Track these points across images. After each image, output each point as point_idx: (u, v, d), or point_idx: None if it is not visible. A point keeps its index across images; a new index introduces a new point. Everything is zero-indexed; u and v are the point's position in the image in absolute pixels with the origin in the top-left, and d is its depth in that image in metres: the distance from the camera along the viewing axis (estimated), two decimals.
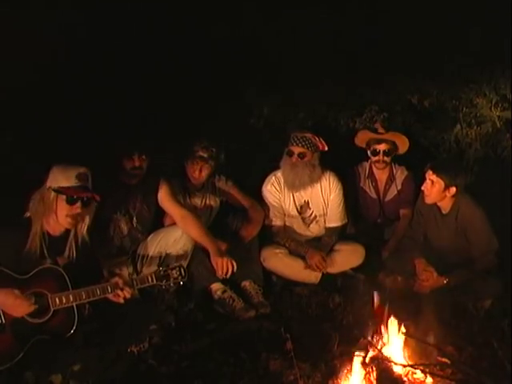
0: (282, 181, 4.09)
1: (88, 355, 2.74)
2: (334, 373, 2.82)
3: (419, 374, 2.79)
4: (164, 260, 3.58)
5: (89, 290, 2.79)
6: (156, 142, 3.70)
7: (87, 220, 2.89)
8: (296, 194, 4.12)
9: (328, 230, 4.20)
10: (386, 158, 4.28)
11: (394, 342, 2.94)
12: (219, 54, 4.42)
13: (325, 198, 4.14)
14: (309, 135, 3.97)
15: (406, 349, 2.94)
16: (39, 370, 2.67)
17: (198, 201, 3.96)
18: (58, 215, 2.79)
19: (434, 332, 3.06)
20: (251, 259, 3.90)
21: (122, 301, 2.86)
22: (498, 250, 3.70)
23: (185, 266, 3.37)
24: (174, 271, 3.08)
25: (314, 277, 4.00)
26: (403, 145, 4.29)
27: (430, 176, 3.66)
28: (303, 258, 4.03)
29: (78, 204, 2.79)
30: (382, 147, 4.26)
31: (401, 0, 4.40)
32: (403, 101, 4.58)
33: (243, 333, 3.30)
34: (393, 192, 4.40)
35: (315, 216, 4.18)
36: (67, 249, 2.87)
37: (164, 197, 3.59)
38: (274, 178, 4.11)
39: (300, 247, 4.07)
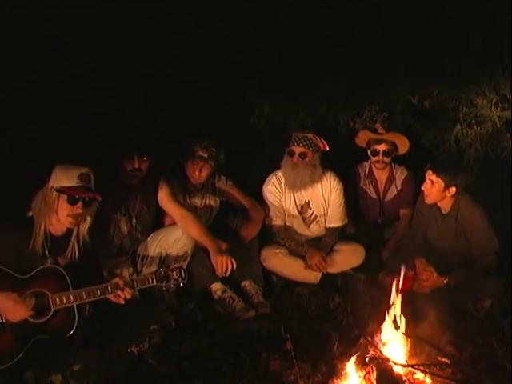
0: (282, 180, 4.09)
1: (88, 355, 2.75)
2: (333, 373, 2.82)
3: (419, 374, 2.79)
4: (164, 260, 3.58)
5: (89, 290, 2.79)
6: (156, 142, 3.70)
7: (88, 220, 2.91)
8: (297, 194, 4.12)
9: (328, 230, 4.20)
10: (385, 159, 4.28)
11: (393, 341, 2.94)
12: (219, 54, 4.41)
13: (325, 198, 4.14)
14: (310, 135, 3.98)
15: (405, 349, 2.94)
16: (39, 370, 2.68)
17: (198, 201, 3.96)
18: (60, 215, 2.80)
19: (434, 332, 3.07)
20: (251, 259, 3.90)
21: (122, 301, 2.87)
22: (498, 250, 3.70)
23: (185, 267, 3.39)
24: (174, 272, 3.09)
25: (313, 277, 4.00)
26: (403, 145, 4.29)
27: (430, 176, 3.66)
28: (303, 258, 4.03)
29: (80, 204, 2.80)
30: (381, 147, 4.26)
31: (401, 0, 4.39)
32: (403, 101, 4.57)
33: (243, 333, 3.30)
34: (393, 192, 4.40)
35: (316, 216, 4.18)
36: (69, 249, 2.88)
37: (164, 197, 3.59)
38: (274, 177, 4.11)
39: (300, 247, 4.07)
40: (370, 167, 4.41)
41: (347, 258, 4.12)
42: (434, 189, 3.67)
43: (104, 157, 3.49)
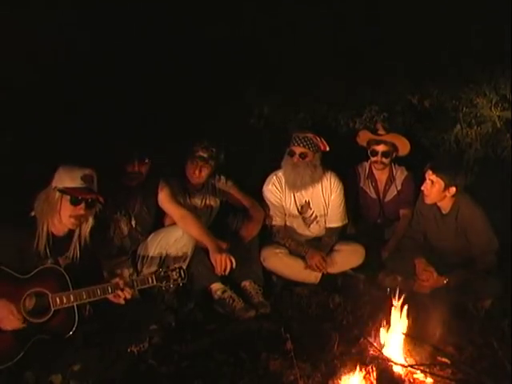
0: (282, 180, 4.09)
1: (88, 355, 2.75)
2: (334, 373, 2.82)
3: (419, 374, 2.79)
4: (164, 260, 3.58)
5: (89, 291, 2.80)
6: (156, 142, 3.70)
7: (91, 221, 2.91)
8: (297, 194, 4.12)
9: (328, 230, 4.20)
10: (384, 160, 4.27)
11: (393, 341, 2.94)
12: (219, 54, 4.41)
13: (325, 199, 4.14)
14: (310, 135, 3.97)
15: (405, 349, 2.94)
16: (39, 370, 2.67)
17: (197, 201, 3.96)
18: (62, 215, 2.80)
19: (434, 332, 3.07)
20: (251, 259, 3.90)
21: (122, 301, 2.88)
22: (498, 250, 3.70)
23: (185, 268, 3.41)
24: (173, 272, 3.10)
25: (313, 277, 4.00)
26: (404, 147, 4.27)
27: (430, 176, 3.66)
28: (303, 257, 4.03)
29: (82, 205, 2.81)
30: (380, 148, 4.25)
31: (400, 0, 4.39)
32: (403, 101, 4.57)
33: (243, 333, 3.30)
34: (393, 192, 4.40)
35: (316, 216, 4.18)
36: (71, 249, 2.89)
37: (164, 198, 3.59)
38: (275, 177, 4.11)
39: (300, 247, 4.07)
40: (370, 167, 4.41)
41: (347, 257, 4.12)
42: (434, 189, 3.67)
43: (104, 158, 3.49)
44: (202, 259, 3.64)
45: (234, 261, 3.40)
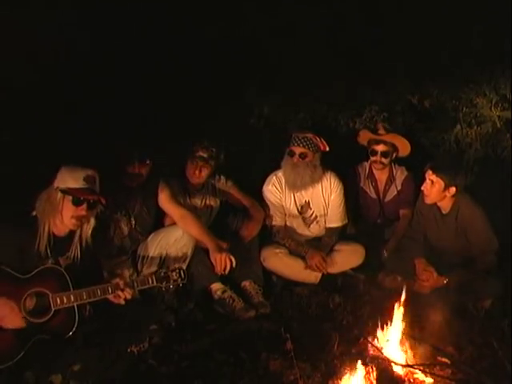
0: (282, 181, 4.09)
1: (88, 355, 2.75)
2: (334, 373, 2.82)
3: (419, 374, 2.79)
4: (164, 260, 3.58)
5: (90, 291, 2.80)
6: (156, 142, 3.70)
7: (92, 222, 2.91)
8: (297, 194, 4.12)
9: (328, 230, 4.20)
10: (383, 160, 4.27)
11: (393, 342, 2.94)
12: (219, 54, 4.41)
13: (325, 199, 4.14)
14: (310, 135, 3.97)
15: (405, 349, 2.94)
16: (39, 370, 2.67)
17: (197, 201, 3.96)
18: (64, 216, 2.80)
19: (434, 332, 3.07)
20: (251, 259, 3.90)
21: (122, 302, 2.88)
22: (498, 250, 3.70)
23: (185, 268, 3.43)
24: (173, 273, 3.11)
25: (313, 277, 4.00)
26: (404, 148, 4.27)
27: (430, 176, 3.66)
28: (303, 257, 4.03)
29: (84, 206, 2.81)
30: (380, 148, 4.25)
31: (401, 0, 4.39)
32: (403, 101, 4.57)
33: (243, 333, 3.30)
34: (393, 192, 4.40)
35: (316, 216, 4.18)
36: (72, 250, 2.89)
37: (164, 199, 3.59)
38: (274, 177, 4.11)
39: (300, 247, 4.07)
40: (370, 167, 4.40)
41: (347, 257, 4.12)
42: (434, 189, 3.67)
43: (105, 158, 3.49)
44: (202, 259, 3.64)
45: (233, 260, 3.40)
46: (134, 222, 3.60)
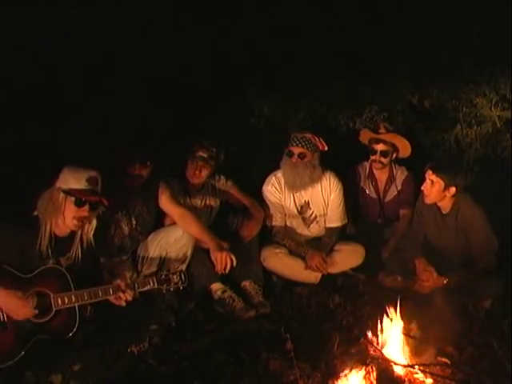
0: (282, 181, 4.09)
1: (88, 355, 2.75)
2: (333, 373, 2.82)
3: (419, 374, 2.79)
4: (164, 260, 3.59)
5: (91, 292, 2.80)
6: (156, 142, 3.70)
7: (94, 223, 2.92)
8: (296, 195, 4.12)
9: (328, 230, 4.20)
10: (382, 159, 4.27)
11: (393, 341, 2.94)
12: (219, 54, 4.41)
13: (325, 198, 4.14)
14: (308, 135, 3.97)
15: (405, 349, 2.94)
16: (39, 370, 2.67)
17: (197, 201, 3.96)
18: (66, 216, 2.80)
19: (434, 332, 3.07)
20: (251, 259, 3.90)
21: (123, 303, 2.88)
22: (498, 250, 3.70)
23: (185, 268, 3.47)
24: (174, 276, 3.12)
25: (313, 277, 4.00)
26: (404, 148, 4.26)
27: (430, 176, 3.66)
28: (303, 257, 4.03)
29: (86, 207, 2.81)
30: (379, 147, 4.25)
31: (401, 1, 4.39)
32: (403, 101, 4.57)
33: (243, 333, 3.30)
34: (393, 192, 4.40)
35: (315, 216, 4.18)
36: (73, 250, 2.89)
37: (164, 200, 3.59)
38: (274, 178, 4.11)
39: (300, 248, 4.07)
40: (371, 167, 4.40)
41: (347, 258, 4.12)
42: (434, 189, 3.67)
43: (105, 158, 3.49)
44: (202, 259, 3.64)
45: (234, 259, 3.41)
46: (134, 222, 3.60)
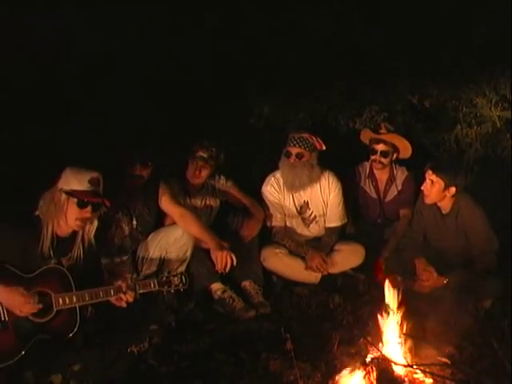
0: (281, 181, 4.08)
1: (88, 355, 2.75)
2: (333, 373, 2.82)
3: (419, 374, 2.79)
4: (164, 259, 3.59)
5: (92, 292, 2.80)
6: (156, 142, 3.70)
7: (95, 223, 2.92)
8: (295, 195, 4.11)
9: (328, 229, 4.20)
10: (382, 159, 4.26)
11: (393, 342, 2.94)
12: (219, 54, 4.41)
13: (324, 198, 4.14)
14: (306, 135, 3.96)
15: (405, 349, 2.94)
16: (39, 370, 2.67)
17: (198, 201, 3.96)
18: (68, 218, 2.80)
19: (434, 332, 3.06)
20: (251, 259, 3.90)
21: (124, 305, 2.88)
22: (498, 250, 3.70)
23: (184, 268, 3.49)
24: (175, 278, 3.12)
25: (313, 277, 4.00)
26: (405, 149, 4.26)
27: (430, 176, 3.66)
28: (303, 257, 4.03)
29: (89, 208, 2.81)
30: (379, 147, 4.25)
31: (401, 0, 4.40)
32: (403, 101, 4.58)
33: (243, 333, 3.30)
34: (393, 192, 4.40)
35: (315, 216, 4.18)
36: (74, 250, 2.89)
37: (164, 200, 3.60)
38: (273, 178, 4.11)
39: (300, 248, 4.06)
40: (371, 167, 4.40)
41: (347, 258, 4.12)
42: (434, 189, 3.67)
43: (106, 158, 3.49)
44: (202, 259, 3.64)
45: (234, 258, 3.41)
46: (135, 222, 3.60)
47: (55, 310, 2.73)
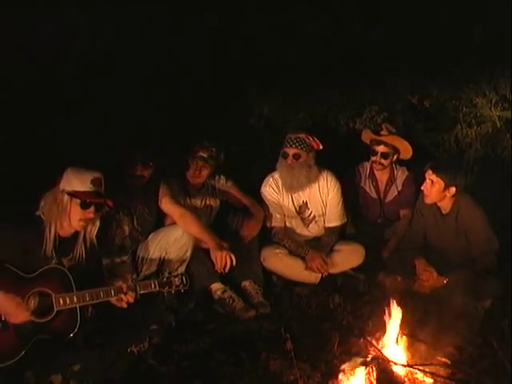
0: (279, 182, 4.07)
1: (88, 355, 2.75)
2: (333, 373, 2.81)
3: (419, 374, 2.79)
4: (164, 259, 3.59)
5: (93, 293, 2.80)
6: (156, 142, 3.71)
7: (98, 224, 2.92)
8: (294, 195, 4.11)
9: (328, 229, 4.19)
10: (383, 161, 4.26)
11: (393, 342, 2.94)
12: (219, 54, 4.41)
13: (323, 198, 4.14)
14: (302, 135, 3.95)
15: (406, 349, 2.94)
16: (39, 370, 2.67)
17: (198, 201, 3.96)
18: (72, 219, 2.80)
19: (434, 332, 3.07)
20: (251, 259, 3.89)
21: (124, 305, 2.89)
22: (498, 250, 3.70)
23: (184, 268, 3.49)
24: (176, 279, 3.13)
25: (313, 277, 4.00)
26: (405, 151, 4.25)
27: (430, 176, 3.66)
28: (303, 258, 4.03)
29: (92, 209, 2.81)
30: (380, 149, 4.24)
31: (401, 0, 4.40)
32: (403, 101, 4.58)
33: (243, 333, 3.30)
34: (393, 193, 4.39)
35: (314, 216, 4.17)
36: (76, 250, 2.89)
37: (164, 200, 3.59)
38: (271, 179, 4.10)
39: (300, 249, 4.06)
40: (371, 167, 4.40)
41: (347, 258, 4.11)
42: (434, 189, 3.67)
43: (106, 159, 3.49)
44: (202, 259, 3.64)
45: (234, 258, 3.41)
46: (135, 222, 3.60)
47: (56, 310, 2.72)
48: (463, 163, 4.41)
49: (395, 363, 2.83)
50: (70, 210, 2.78)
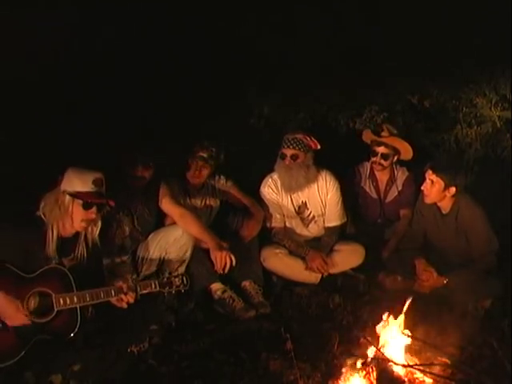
0: (278, 182, 4.07)
1: (88, 355, 2.75)
2: (333, 373, 2.81)
3: (419, 374, 2.79)
4: (164, 259, 3.59)
5: (93, 293, 2.80)
6: (156, 142, 3.71)
7: (99, 224, 2.92)
8: (293, 195, 4.10)
9: (327, 229, 4.19)
10: (383, 162, 4.26)
11: (393, 341, 2.94)
12: (219, 54, 4.42)
13: (322, 198, 4.13)
14: (300, 136, 3.95)
15: (406, 349, 2.94)
16: (39, 370, 2.67)
17: (198, 201, 3.96)
18: (74, 219, 2.81)
19: (434, 332, 3.07)
20: (251, 259, 3.89)
21: (125, 305, 2.89)
22: (498, 250, 3.70)
23: (184, 269, 3.49)
24: (176, 279, 3.13)
25: (313, 277, 4.00)
26: (406, 152, 4.25)
27: (430, 176, 3.66)
28: (303, 258, 4.03)
29: (94, 209, 2.81)
30: (380, 150, 4.24)
31: (401, 0, 4.40)
32: (403, 101, 4.58)
33: (243, 333, 3.30)
34: (393, 193, 4.39)
35: (313, 216, 4.17)
36: (77, 250, 2.89)
37: (164, 200, 3.60)
38: (270, 179, 4.09)
39: (300, 249, 4.06)
40: (372, 167, 4.40)
41: (347, 258, 4.11)
42: (434, 188, 3.67)
43: (106, 159, 3.49)
44: (202, 259, 3.64)
45: (233, 258, 3.41)
46: (136, 223, 3.60)
47: (56, 310, 2.72)
48: (463, 163, 4.41)
49: (395, 363, 2.83)
50: (72, 210, 2.78)
